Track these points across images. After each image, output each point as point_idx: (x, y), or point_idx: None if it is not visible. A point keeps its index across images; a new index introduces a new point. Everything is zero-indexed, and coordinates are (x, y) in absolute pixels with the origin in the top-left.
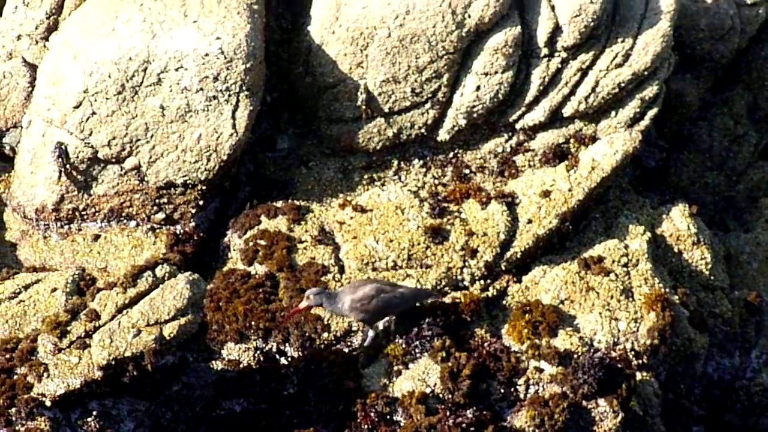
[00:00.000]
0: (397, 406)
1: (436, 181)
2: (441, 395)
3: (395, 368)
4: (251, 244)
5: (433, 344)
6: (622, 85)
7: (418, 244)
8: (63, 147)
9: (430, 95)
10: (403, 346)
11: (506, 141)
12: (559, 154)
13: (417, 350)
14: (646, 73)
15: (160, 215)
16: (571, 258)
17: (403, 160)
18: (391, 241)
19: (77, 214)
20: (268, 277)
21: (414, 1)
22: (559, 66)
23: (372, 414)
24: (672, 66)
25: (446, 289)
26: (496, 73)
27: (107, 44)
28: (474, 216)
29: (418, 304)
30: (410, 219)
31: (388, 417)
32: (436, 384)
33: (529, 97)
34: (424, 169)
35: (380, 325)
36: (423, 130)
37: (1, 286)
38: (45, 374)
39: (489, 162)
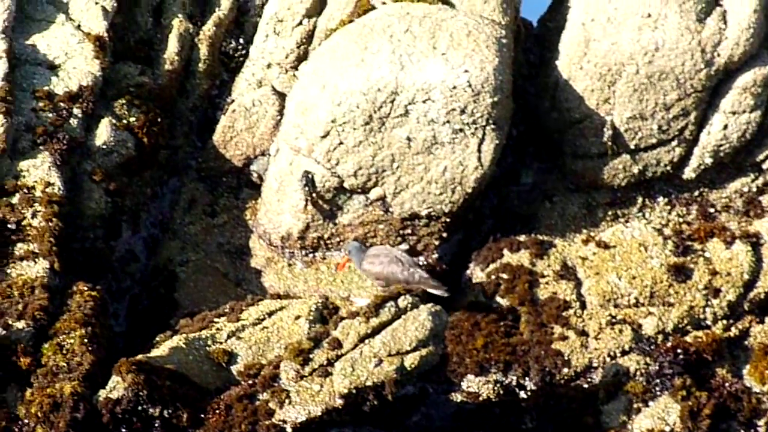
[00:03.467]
0: None
1: (681, 219)
2: None
3: (635, 405)
4: (493, 277)
5: (673, 383)
6: None
7: (661, 281)
8: (310, 176)
9: (676, 133)
10: (644, 383)
11: (752, 181)
12: None
13: (657, 388)
14: None
15: (404, 246)
16: None
17: (648, 197)
18: (634, 278)
19: (322, 242)
20: (509, 311)
21: (663, 38)
22: None
23: None
24: None
25: (688, 328)
26: (744, 112)
27: (356, 75)
28: (718, 255)
29: (430, 291)
30: (653, 256)
31: None
32: (675, 423)
33: None
34: (668, 207)
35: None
36: (668, 168)
37: (245, 312)
38: (287, 401)
39: (734, 201)
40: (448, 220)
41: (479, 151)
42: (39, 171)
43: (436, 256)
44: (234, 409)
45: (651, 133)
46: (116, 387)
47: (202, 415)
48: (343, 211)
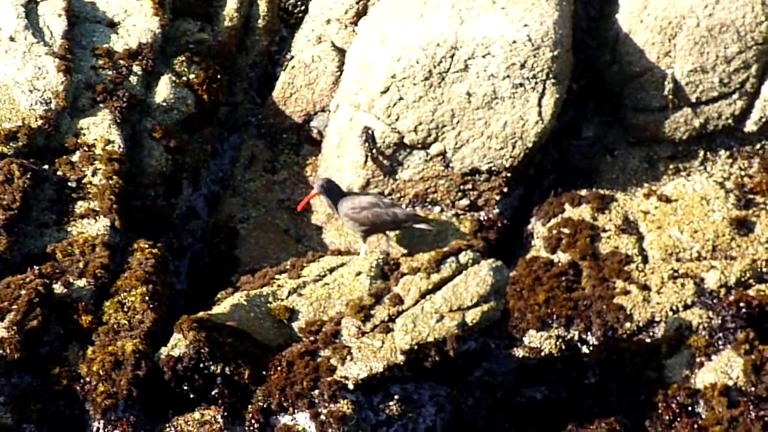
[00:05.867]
0: (698, 398)
1: (743, 173)
2: (743, 388)
3: (697, 360)
4: (554, 232)
5: (736, 336)
6: None
7: (723, 235)
8: (370, 132)
9: (738, 86)
10: (706, 338)
11: None
12: None
13: (720, 342)
14: None
15: (465, 201)
16: None
17: (709, 151)
18: (696, 231)
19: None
20: (570, 266)
21: None
22: None
23: (673, 405)
24: None
25: (750, 281)
26: None
27: (415, 30)
28: None
29: (416, 227)
30: (715, 210)
31: (689, 408)
32: (738, 377)
33: None
34: (730, 160)
35: (385, 247)
36: (730, 121)
37: (306, 269)
38: (348, 357)
39: None
40: (508, 175)
41: (539, 105)
42: (99, 129)
43: (496, 211)
44: (295, 365)
45: (712, 86)
46: (178, 344)
47: (264, 372)
48: (403, 167)
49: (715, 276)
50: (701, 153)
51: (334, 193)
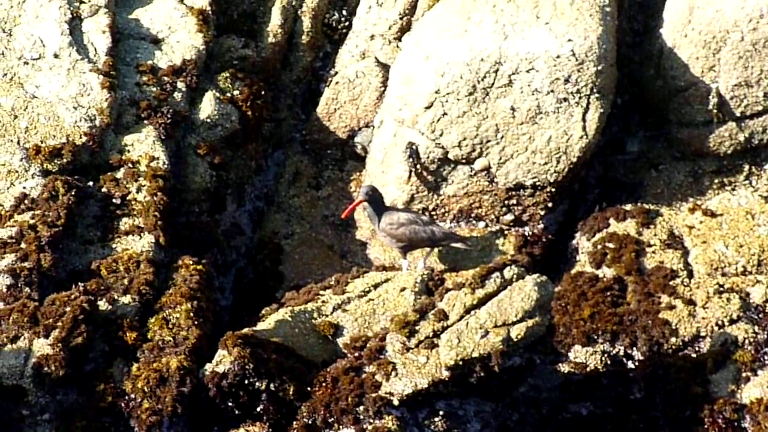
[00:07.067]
0: (744, 413)
1: None
2: None
3: (743, 375)
4: (599, 246)
5: None
6: None
7: None
8: (414, 147)
9: None
10: (752, 352)
11: None
12: None
13: (766, 357)
14: None
15: (509, 216)
16: None
17: (754, 165)
18: (741, 246)
19: (427, 213)
20: (616, 281)
21: None
22: None
23: (719, 420)
24: None
25: None
26: None
27: (459, 45)
28: None
29: (453, 245)
30: (761, 224)
31: (735, 423)
32: None
33: None
34: None
35: (421, 263)
36: None
37: (351, 285)
38: (393, 373)
39: None
40: (553, 189)
41: (584, 120)
42: (143, 145)
43: (541, 226)
44: (340, 381)
45: (757, 101)
46: (222, 361)
47: (309, 388)
48: (448, 182)
49: (761, 290)
50: (746, 167)
51: (378, 203)
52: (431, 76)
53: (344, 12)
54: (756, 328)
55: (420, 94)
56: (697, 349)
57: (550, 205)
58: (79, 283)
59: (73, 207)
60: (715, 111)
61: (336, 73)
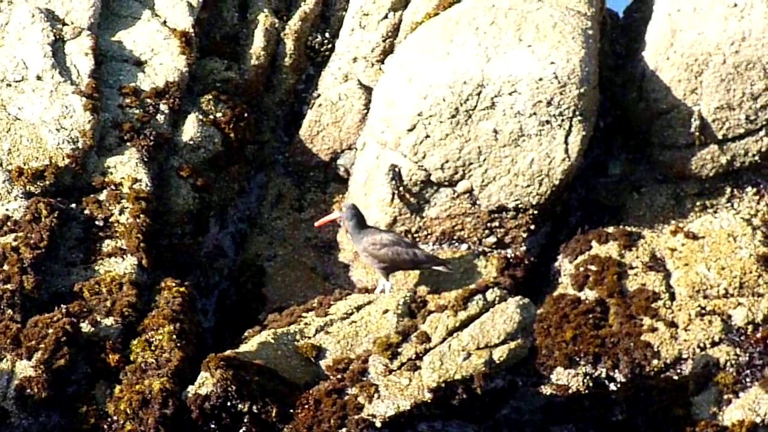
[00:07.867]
0: None
1: None
2: None
3: (725, 397)
4: (582, 269)
5: (763, 373)
6: None
7: (750, 272)
8: (397, 169)
9: (764, 123)
10: (734, 374)
11: None
12: None
13: (747, 379)
14: None
15: (492, 239)
16: None
17: (736, 188)
18: (723, 268)
19: (409, 236)
20: (598, 303)
21: (750, 28)
22: None
23: None
24: None
25: None
26: None
27: (442, 68)
28: None
29: (435, 268)
30: (742, 247)
31: None
32: (766, 414)
33: None
34: (757, 197)
35: (388, 284)
36: (757, 158)
37: (334, 307)
38: (375, 395)
39: None
40: (535, 212)
41: (566, 142)
42: (126, 167)
43: (523, 248)
44: (323, 403)
45: (738, 123)
46: (205, 383)
47: (291, 410)
48: (430, 205)
49: (743, 313)
50: (728, 190)
51: (358, 220)
52: (414, 98)
53: (327, 34)
54: (738, 350)
55: (403, 117)
56: (678, 371)
57: (532, 227)
58: (62, 305)
59: (56, 229)
60: (697, 134)
61: (319, 95)
